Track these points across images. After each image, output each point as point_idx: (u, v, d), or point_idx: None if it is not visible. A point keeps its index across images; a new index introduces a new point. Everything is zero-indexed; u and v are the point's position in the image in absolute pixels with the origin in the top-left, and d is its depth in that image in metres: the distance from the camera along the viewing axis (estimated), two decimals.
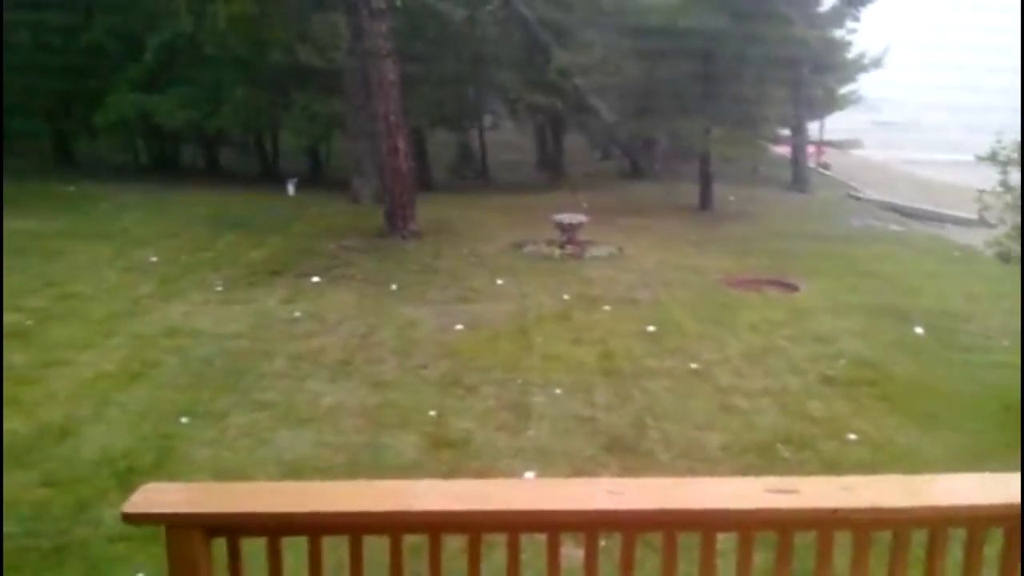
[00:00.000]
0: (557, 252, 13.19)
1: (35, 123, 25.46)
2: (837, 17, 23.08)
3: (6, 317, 8.69)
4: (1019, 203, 7.30)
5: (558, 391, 6.91)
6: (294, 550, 2.05)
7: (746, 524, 2.10)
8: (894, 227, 17.88)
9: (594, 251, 13.28)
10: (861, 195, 23.80)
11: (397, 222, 14.41)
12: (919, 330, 8.88)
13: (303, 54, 19.19)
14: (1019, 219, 7.35)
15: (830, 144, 27.62)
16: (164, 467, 5.30)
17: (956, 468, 5.32)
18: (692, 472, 5.37)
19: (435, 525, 2.09)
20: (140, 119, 23.74)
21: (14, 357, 7.41)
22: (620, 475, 5.31)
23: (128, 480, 4.81)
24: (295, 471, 5.28)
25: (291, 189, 20.48)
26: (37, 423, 5.93)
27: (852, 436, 6.06)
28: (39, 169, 22.94)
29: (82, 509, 4.64)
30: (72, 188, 19.69)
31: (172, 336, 8.33)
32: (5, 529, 4.42)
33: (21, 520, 4.53)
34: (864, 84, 27.04)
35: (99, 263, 11.64)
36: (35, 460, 5.32)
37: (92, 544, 4.25)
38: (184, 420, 6.09)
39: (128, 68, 21.93)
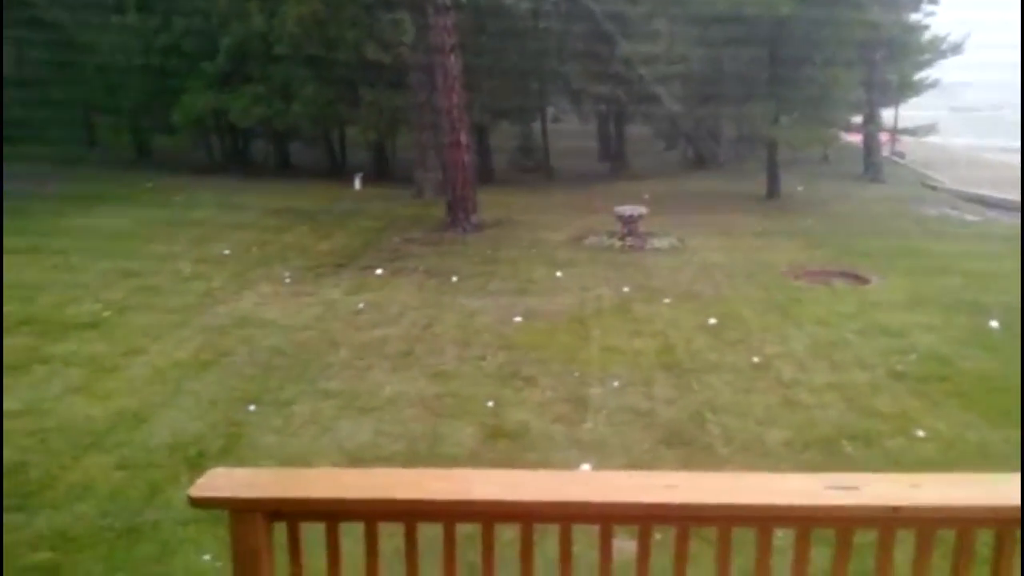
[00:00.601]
0: (618, 244, 13.11)
1: (116, 126, 26.57)
2: (913, 0, 22.28)
3: (86, 308, 9.13)
4: None
5: (616, 383, 6.88)
6: (351, 536, 2.11)
7: (804, 520, 2.07)
8: (971, 217, 17.17)
9: (656, 243, 13.16)
10: (937, 184, 22.93)
11: (459, 215, 14.54)
12: (994, 324, 8.53)
13: (370, 51, 19.47)
14: None
15: (904, 131, 26.67)
16: (232, 453, 5.48)
17: None
18: (752, 468, 5.28)
19: (489, 514, 2.12)
20: (214, 116, 24.51)
21: (94, 346, 7.77)
22: (678, 469, 5.27)
23: (198, 465, 5.01)
24: (356, 459, 5.40)
25: (357, 183, 20.84)
26: (114, 409, 6.20)
27: (921, 433, 5.86)
28: (119, 165, 23.90)
29: (154, 492, 4.84)
30: (150, 184, 20.46)
31: (242, 326, 8.59)
32: (83, 509, 4.66)
33: (98, 501, 4.75)
34: (941, 69, 26.04)
35: (175, 256, 12.07)
36: (111, 444, 5.57)
37: (163, 526, 4.44)
38: (252, 408, 6.28)
39: (203, 68, 22.63)
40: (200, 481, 2.16)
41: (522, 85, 23.66)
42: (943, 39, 24.21)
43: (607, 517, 2.12)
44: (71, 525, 4.51)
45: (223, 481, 2.24)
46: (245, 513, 2.10)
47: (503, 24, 22.21)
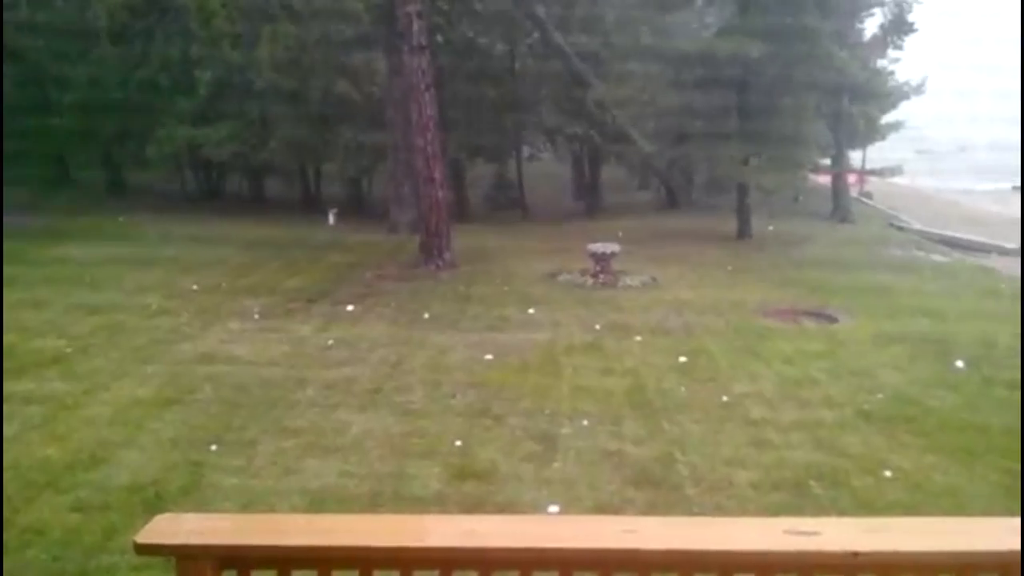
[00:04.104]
0: (590, 281, 13.16)
1: (89, 160, 26.38)
2: (879, 46, 22.91)
3: (49, 343, 8.96)
4: None
5: (586, 422, 6.84)
6: None
7: (764, 566, 2.05)
8: (937, 257, 17.49)
9: (628, 280, 13.22)
10: (904, 225, 23.39)
11: (432, 252, 14.55)
12: (960, 364, 8.63)
13: (341, 88, 19.62)
14: None
15: (872, 173, 27.30)
16: (191, 495, 5.34)
17: (996, 509, 5.15)
18: (720, 509, 5.25)
19: (446, 561, 2.09)
20: (189, 151, 24.43)
21: (54, 384, 7.60)
22: (646, 510, 5.22)
23: (156, 507, 4.87)
24: (319, 500, 5.29)
25: (331, 219, 20.83)
26: (72, 449, 6.04)
27: (888, 473, 5.87)
28: (90, 200, 23.69)
29: (109, 536, 4.70)
30: (121, 218, 20.32)
31: (208, 363, 8.46)
32: (34, 553, 4.51)
33: (50, 545, 4.60)
34: (907, 112, 26.77)
35: (143, 291, 11.92)
36: (67, 486, 5.41)
37: (117, 571, 4.30)
38: (214, 447, 6.15)
39: (179, 102, 22.60)
40: (147, 527, 2.11)
41: (497, 124, 23.90)
42: (906, 82, 24.96)
43: (566, 563, 2.09)
44: (21, 571, 4.36)
45: (171, 527, 2.18)
46: (193, 560, 2.05)
47: (479, 64, 22.52)
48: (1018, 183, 26.53)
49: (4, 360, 8.23)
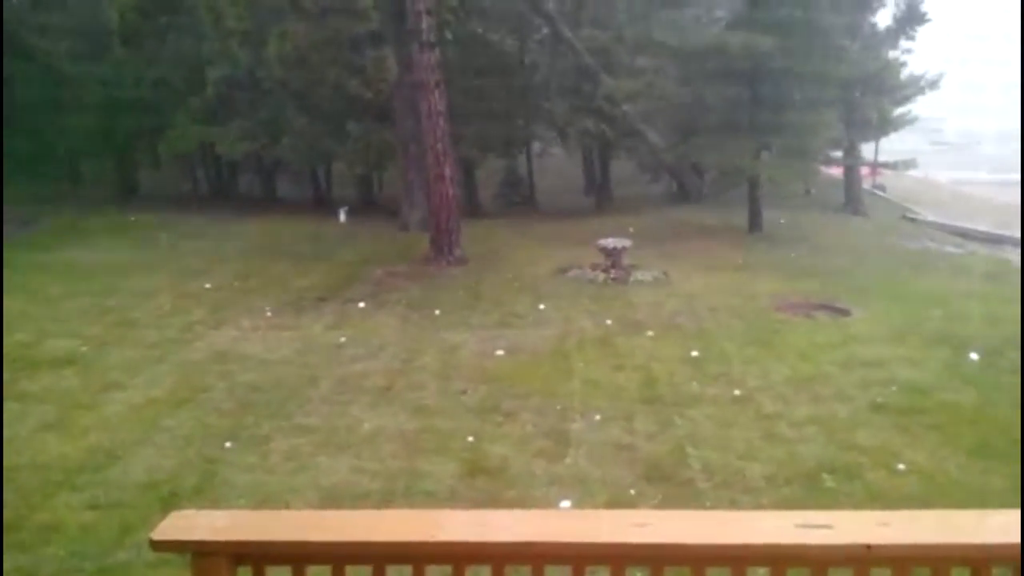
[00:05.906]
0: (601, 277, 13.12)
1: (102, 160, 26.55)
2: (891, 38, 22.72)
3: (64, 343, 9.04)
4: None
5: (597, 417, 6.84)
6: None
7: (777, 560, 2.05)
8: (951, 249, 17.37)
9: (639, 275, 13.17)
10: (917, 217, 23.24)
11: (443, 248, 14.55)
12: (974, 356, 8.57)
13: (352, 87, 19.61)
14: None
15: (885, 166, 27.03)
16: (206, 492, 5.39)
17: (1010, 502, 5.10)
18: (733, 503, 5.25)
19: (459, 556, 2.09)
20: (201, 150, 24.52)
21: (69, 382, 7.67)
22: (658, 505, 5.23)
23: (171, 504, 4.91)
24: (332, 497, 5.32)
25: (342, 216, 20.87)
26: (87, 446, 6.11)
27: (901, 466, 5.85)
28: (104, 201, 23.82)
29: (125, 533, 4.74)
30: (134, 218, 20.43)
31: (221, 362, 8.51)
32: (51, 551, 4.55)
33: (68, 542, 4.65)
34: (922, 105, 26.44)
35: (156, 290, 11.99)
36: (83, 483, 5.47)
37: (133, 568, 4.34)
38: (228, 445, 6.19)
39: (191, 102, 22.69)
40: (162, 524, 2.12)
41: (508, 119, 23.85)
42: (921, 76, 24.67)
43: (578, 557, 2.09)
44: (38, 567, 4.41)
45: (186, 524, 2.19)
46: (208, 556, 2.06)
47: (489, 59, 22.49)
48: None
49: (19, 360, 8.32)
